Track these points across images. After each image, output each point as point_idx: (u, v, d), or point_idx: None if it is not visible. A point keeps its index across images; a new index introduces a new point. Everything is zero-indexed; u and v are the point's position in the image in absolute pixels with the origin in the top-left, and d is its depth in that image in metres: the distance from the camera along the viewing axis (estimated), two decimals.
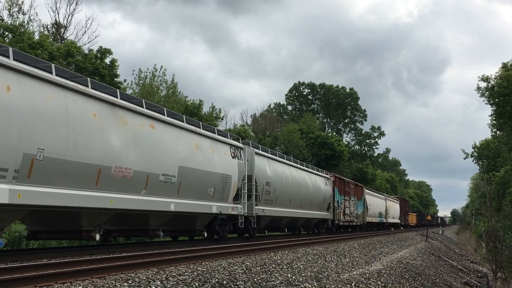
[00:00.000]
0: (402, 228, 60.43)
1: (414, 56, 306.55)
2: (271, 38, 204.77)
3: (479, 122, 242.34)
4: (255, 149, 19.85)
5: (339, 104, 78.43)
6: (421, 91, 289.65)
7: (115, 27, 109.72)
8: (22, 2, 29.73)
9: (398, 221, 58.17)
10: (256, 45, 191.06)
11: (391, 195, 62.28)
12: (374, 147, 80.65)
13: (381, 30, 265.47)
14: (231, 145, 17.58)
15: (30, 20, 29.99)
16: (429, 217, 68.85)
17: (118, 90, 12.22)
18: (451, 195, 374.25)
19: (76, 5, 32.83)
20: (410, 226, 70.75)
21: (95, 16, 58.91)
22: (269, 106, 70.55)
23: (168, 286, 7.70)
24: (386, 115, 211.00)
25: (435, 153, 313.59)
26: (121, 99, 11.98)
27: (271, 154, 21.99)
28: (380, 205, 48.26)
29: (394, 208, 56.23)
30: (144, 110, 12.79)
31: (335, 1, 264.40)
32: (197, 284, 8.11)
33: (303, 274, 10.59)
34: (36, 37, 25.98)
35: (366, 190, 41.76)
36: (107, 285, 7.28)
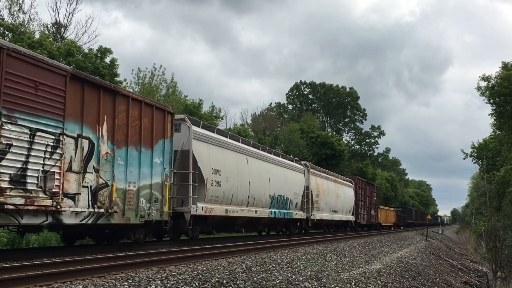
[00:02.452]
0: (361, 229, 39.44)
1: (416, 55, 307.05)
2: (273, 37, 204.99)
3: (481, 121, 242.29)
4: None
5: (339, 103, 78.52)
6: (423, 90, 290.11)
7: (117, 25, 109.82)
8: (23, 1, 29.72)
9: (350, 217, 35.19)
10: (257, 44, 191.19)
11: (341, 175, 36.46)
12: (374, 146, 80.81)
13: (383, 29, 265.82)
14: None
15: (30, 19, 29.98)
16: (429, 216, 66.27)
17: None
18: (452, 194, 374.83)
19: (76, 4, 32.81)
20: (382, 226, 49.18)
21: (95, 15, 58.94)
22: (270, 105, 70.51)
23: (168, 286, 7.70)
24: (387, 115, 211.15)
25: (436, 153, 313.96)
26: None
27: None
28: (286, 182, 23.12)
29: (338, 194, 31.90)
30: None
31: (337, 0, 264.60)
32: (197, 283, 8.10)
33: (303, 274, 10.59)
34: (37, 36, 25.96)
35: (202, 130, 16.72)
36: (107, 284, 7.27)
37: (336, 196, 31.52)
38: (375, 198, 46.30)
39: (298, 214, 24.53)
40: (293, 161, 26.16)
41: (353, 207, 36.03)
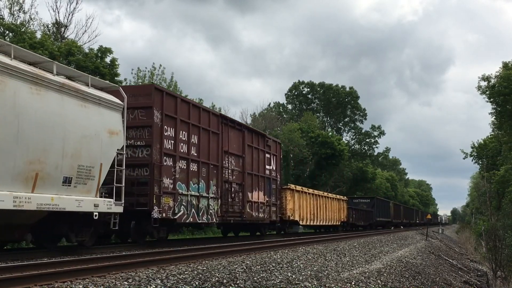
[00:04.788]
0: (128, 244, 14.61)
1: (417, 54, 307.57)
2: (274, 37, 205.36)
3: (482, 121, 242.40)
4: None
5: (339, 103, 78.47)
6: (424, 89, 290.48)
7: (118, 25, 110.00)
8: (23, 0, 29.68)
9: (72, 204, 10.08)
10: (259, 43, 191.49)
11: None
12: (374, 146, 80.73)
13: (384, 28, 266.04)
14: None
15: (31, 19, 29.93)
16: (429, 216, 65.75)
17: None
18: (452, 194, 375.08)
19: (76, 4, 32.76)
20: (306, 227, 30.85)
21: (96, 14, 58.89)
22: (269, 105, 70.36)
23: (168, 285, 7.70)
24: (389, 114, 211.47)
25: (437, 152, 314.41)
26: None
27: None
28: None
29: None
30: None
31: None
32: (197, 283, 8.11)
33: (303, 273, 10.60)
34: (38, 36, 25.95)
35: None
36: (107, 284, 7.28)
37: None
38: (272, 167, 21.45)
39: None
40: None
41: (99, 170, 11.24)
